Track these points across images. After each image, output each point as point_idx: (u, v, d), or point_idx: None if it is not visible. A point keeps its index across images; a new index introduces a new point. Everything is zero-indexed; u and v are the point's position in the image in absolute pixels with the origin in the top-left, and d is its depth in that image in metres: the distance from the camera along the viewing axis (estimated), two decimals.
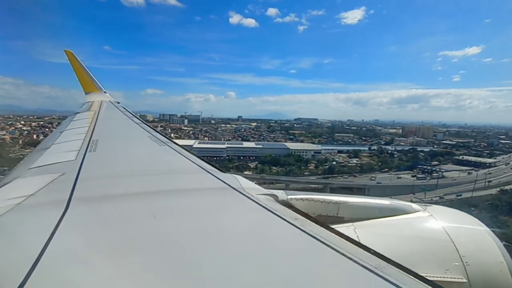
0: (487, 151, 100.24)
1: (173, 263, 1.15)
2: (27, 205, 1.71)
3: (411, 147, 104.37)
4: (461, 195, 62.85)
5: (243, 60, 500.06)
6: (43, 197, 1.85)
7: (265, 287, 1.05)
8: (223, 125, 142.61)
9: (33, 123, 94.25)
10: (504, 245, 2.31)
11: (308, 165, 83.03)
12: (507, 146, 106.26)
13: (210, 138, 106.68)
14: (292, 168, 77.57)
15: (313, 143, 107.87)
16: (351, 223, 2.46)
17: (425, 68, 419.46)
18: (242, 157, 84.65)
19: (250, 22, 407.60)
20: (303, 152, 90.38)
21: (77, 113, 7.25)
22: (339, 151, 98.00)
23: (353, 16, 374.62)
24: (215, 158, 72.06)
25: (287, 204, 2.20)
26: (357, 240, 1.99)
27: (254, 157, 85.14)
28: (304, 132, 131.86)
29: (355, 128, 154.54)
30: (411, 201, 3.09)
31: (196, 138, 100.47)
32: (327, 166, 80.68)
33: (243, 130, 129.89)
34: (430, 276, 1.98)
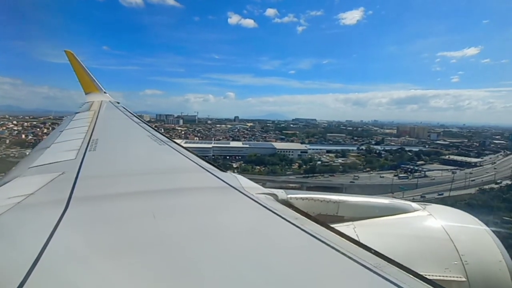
0: (477, 151, 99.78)
1: (173, 262, 1.15)
2: (27, 204, 1.71)
3: (399, 147, 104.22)
4: (442, 194, 63.17)
5: (242, 60, 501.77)
6: (43, 196, 1.86)
7: (266, 287, 1.04)
8: (218, 125, 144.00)
9: (26, 123, 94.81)
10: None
11: (292, 164, 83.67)
12: (499, 146, 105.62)
13: (201, 138, 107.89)
14: (275, 168, 78.51)
15: (303, 143, 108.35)
16: (351, 222, 2.47)
17: (424, 68, 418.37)
18: (228, 157, 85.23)
19: (249, 22, 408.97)
20: (289, 151, 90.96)
21: (77, 112, 7.32)
22: (328, 151, 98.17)
23: (352, 17, 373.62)
24: None
25: (287, 203, 2.21)
26: (357, 239, 1.99)
27: (240, 157, 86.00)
28: (297, 132, 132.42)
29: (351, 128, 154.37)
30: (413, 200, 3.13)
31: (187, 138, 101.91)
32: (309, 166, 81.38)
33: (236, 130, 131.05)
34: (429, 275, 1.99)
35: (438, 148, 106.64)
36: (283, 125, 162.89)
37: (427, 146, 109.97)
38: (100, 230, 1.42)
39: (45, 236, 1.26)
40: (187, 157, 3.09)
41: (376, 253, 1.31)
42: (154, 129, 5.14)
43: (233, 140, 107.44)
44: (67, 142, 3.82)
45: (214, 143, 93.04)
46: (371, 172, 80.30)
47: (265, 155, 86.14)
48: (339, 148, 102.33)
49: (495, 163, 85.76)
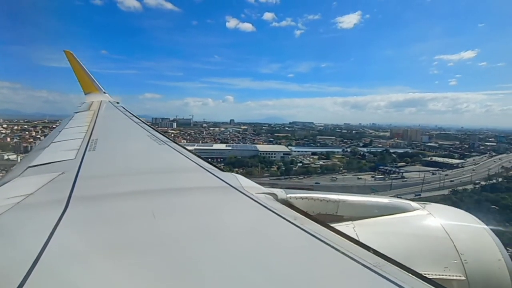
0: (465, 153, 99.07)
1: (172, 262, 1.15)
2: (27, 204, 1.70)
3: (384, 149, 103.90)
4: (419, 194, 63.20)
5: (241, 64, 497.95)
6: (43, 196, 1.86)
7: (265, 286, 1.04)
8: (211, 129, 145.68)
9: (16, 127, 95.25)
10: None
11: (272, 166, 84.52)
12: (489, 148, 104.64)
13: (190, 141, 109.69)
14: (252, 169, 79.28)
15: (290, 145, 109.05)
16: (350, 222, 2.48)
17: (422, 72, 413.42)
18: (210, 159, 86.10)
19: (247, 26, 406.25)
20: (271, 153, 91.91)
21: (76, 112, 7.30)
22: (313, 153, 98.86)
23: (349, 21, 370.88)
24: None
25: (287, 203, 2.22)
26: (356, 238, 2.01)
27: (221, 159, 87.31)
28: (289, 135, 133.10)
29: (346, 131, 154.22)
30: (413, 199, 3.16)
31: (174, 141, 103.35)
32: (286, 167, 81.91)
33: (228, 133, 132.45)
34: (429, 274, 2.00)
35: (426, 150, 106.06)
36: (277, 128, 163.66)
37: (416, 148, 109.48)
38: (100, 230, 1.41)
39: (45, 236, 1.25)
40: (187, 157, 3.11)
41: (376, 252, 1.31)
42: (154, 129, 5.14)
43: (222, 142, 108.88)
44: (66, 142, 3.82)
45: (197, 146, 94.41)
46: (345, 173, 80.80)
47: (246, 157, 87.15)
48: (325, 150, 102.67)
49: (478, 164, 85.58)
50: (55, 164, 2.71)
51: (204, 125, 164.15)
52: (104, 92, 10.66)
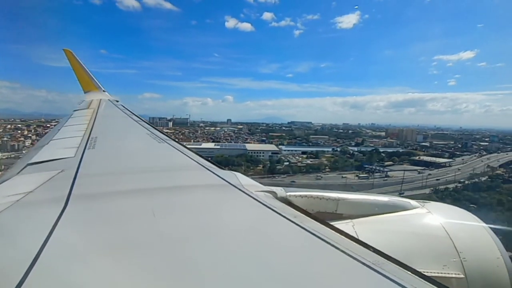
0: (456, 152, 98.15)
1: (172, 260, 1.14)
2: (26, 202, 1.70)
3: (374, 148, 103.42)
4: (403, 193, 63.03)
5: (240, 64, 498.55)
6: (42, 194, 1.85)
7: (265, 284, 1.04)
8: (207, 128, 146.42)
9: (9, 126, 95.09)
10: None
11: (258, 165, 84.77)
12: (481, 147, 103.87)
13: (182, 140, 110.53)
14: (237, 168, 79.77)
15: (282, 144, 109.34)
16: (349, 220, 2.48)
17: (421, 72, 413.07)
18: None
19: (246, 26, 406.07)
20: (260, 152, 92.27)
21: (75, 110, 7.26)
22: (303, 152, 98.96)
23: (348, 21, 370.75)
24: None
25: (286, 201, 2.22)
26: (356, 236, 2.02)
27: (210, 158, 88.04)
28: (284, 134, 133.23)
29: (342, 131, 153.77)
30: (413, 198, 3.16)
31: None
32: (272, 166, 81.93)
33: (222, 132, 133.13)
34: (428, 272, 2.00)
35: (419, 149, 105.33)
36: (275, 127, 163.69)
37: (408, 148, 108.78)
38: (100, 228, 1.41)
39: (44, 234, 1.25)
40: (186, 155, 3.11)
41: (375, 250, 1.32)
42: (153, 127, 5.15)
43: (213, 141, 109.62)
44: (66, 140, 3.82)
45: (186, 144, 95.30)
46: (330, 172, 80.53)
47: (233, 155, 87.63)
48: (314, 149, 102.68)
49: (465, 163, 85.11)
50: (54, 162, 2.71)
51: (201, 124, 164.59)
52: (104, 91, 10.64)
